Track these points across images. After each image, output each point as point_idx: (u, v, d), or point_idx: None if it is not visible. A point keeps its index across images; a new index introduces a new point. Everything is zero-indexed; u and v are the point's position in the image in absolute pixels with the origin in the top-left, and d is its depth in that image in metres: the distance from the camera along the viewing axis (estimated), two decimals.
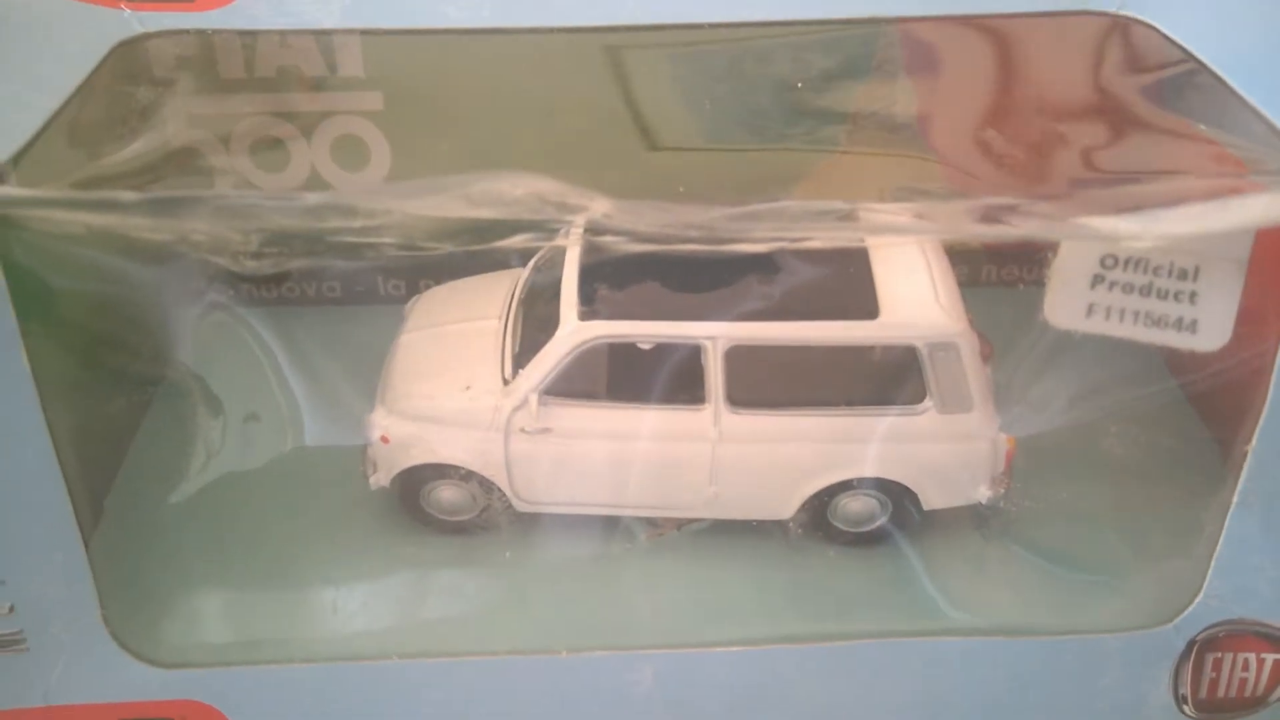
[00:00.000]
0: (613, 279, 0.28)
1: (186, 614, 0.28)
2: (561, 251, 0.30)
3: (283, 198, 0.22)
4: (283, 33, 0.31)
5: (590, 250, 0.29)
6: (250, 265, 0.24)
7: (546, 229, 0.25)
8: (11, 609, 0.26)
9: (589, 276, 0.28)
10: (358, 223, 0.23)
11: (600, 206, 0.24)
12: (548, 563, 0.30)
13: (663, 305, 0.27)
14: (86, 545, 0.25)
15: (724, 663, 0.28)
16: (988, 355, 0.30)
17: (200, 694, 0.27)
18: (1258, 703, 0.30)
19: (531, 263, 0.32)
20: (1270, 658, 0.29)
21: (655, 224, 0.24)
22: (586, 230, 0.24)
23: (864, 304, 0.27)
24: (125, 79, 0.28)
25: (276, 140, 0.34)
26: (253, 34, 0.29)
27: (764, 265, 0.28)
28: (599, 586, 0.29)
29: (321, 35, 0.33)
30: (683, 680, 0.28)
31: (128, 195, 0.21)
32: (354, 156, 0.35)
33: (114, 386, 0.29)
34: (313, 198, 0.22)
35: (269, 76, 0.33)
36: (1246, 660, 0.29)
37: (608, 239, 0.25)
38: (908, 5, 0.29)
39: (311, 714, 0.27)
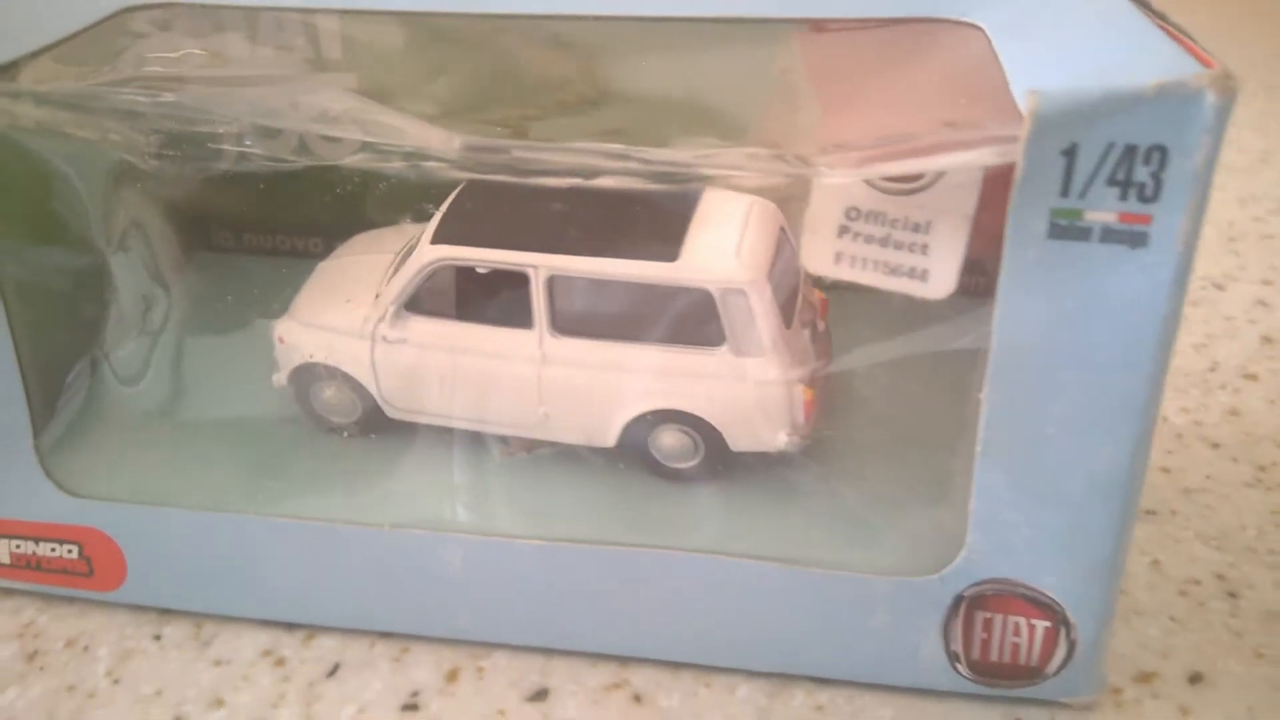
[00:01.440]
0: (475, 211, 0.33)
1: (103, 457, 0.34)
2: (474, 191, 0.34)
3: (147, 94, 0.28)
4: (269, 10, 0.37)
5: (469, 187, 0.33)
6: (153, 164, 0.31)
7: (377, 150, 0.30)
8: None
9: (457, 208, 0.33)
10: (220, 128, 0.29)
11: (413, 129, 0.29)
12: (401, 459, 0.34)
13: (505, 235, 0.32)
14: (28, 394, 0.32)
15: (522, 554, 0.31)
16: (822, 309, 0.33)
17: (99, 523, 0.33)
18: (1034, 674, 0.30)
19: None
20: (1041, 625, 0.30)
21: (449, 146, 0.29)
22: (410, 156, 0.30)
23: (669, 248, 0.31)
24: (119, 35, 0.35)
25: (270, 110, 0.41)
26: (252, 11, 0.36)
27: (601, 200, 0.32)
28: (440, 484, 0.33)
29: (308, 21, 0.39)
30: (486, 565, 0.31)
31: (42, 88, 0.28)
32: None
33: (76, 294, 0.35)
34: (168, 97, 0.28)
35: (264, 55, 0.40)
36: (1017, 624, 0.30)
37: (430, 164, 0.30)
38: (773, 6, 0.33)
39: (184, 551, 0.33)
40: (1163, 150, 0.23)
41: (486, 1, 0.33)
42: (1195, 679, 0.32)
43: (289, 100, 0.28)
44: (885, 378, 0.32)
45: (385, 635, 0.33)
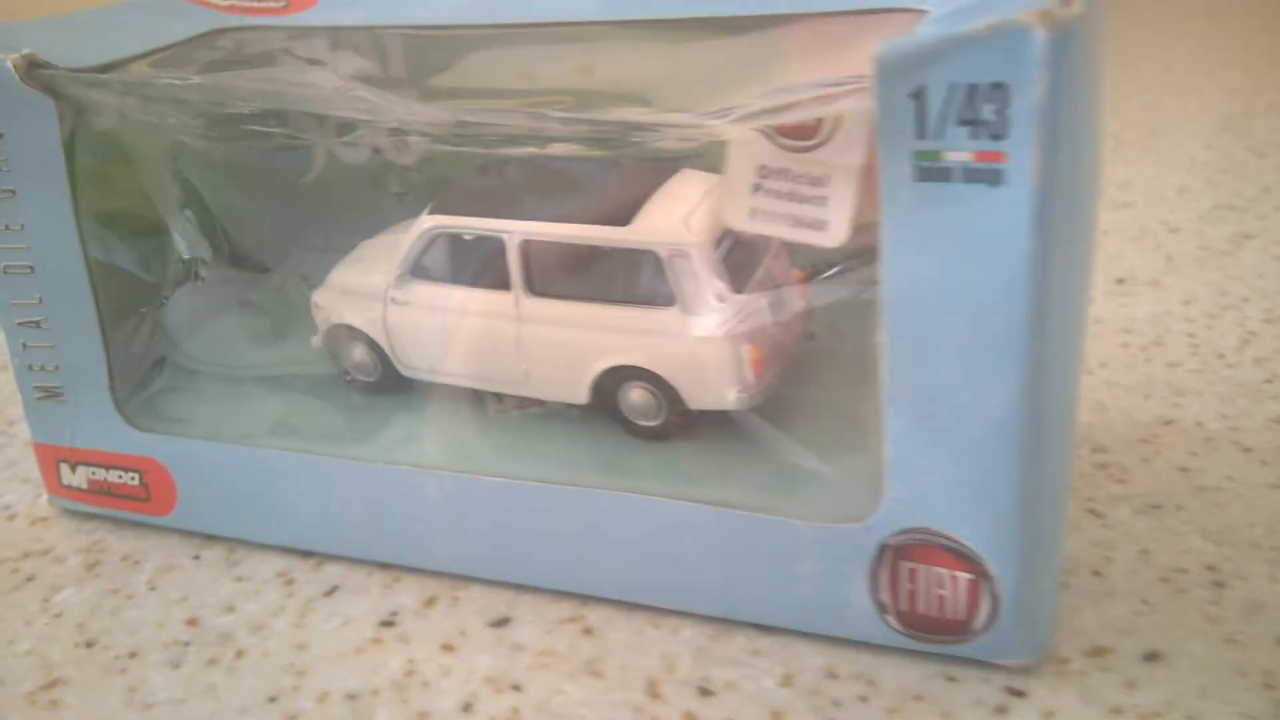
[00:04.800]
0: (469, 189, 0.37)
1: (162, 397, 0.40)
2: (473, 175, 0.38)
3: (180, 79, 0.33)
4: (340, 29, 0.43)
5: (473, 172, 0.38)
6: (202, 144, 0.37)
7: (373, 125, 0.35)
8: (58, 368, 0.39)
9: (456, 188, 0.37)
10: (246, 108, 0.34)
11: (393, 105, 0.33)
12: (407, 411, 0.38)
13: (487, 206, 0.36)
14: (106, 344, 0.38)
15: (491, 490, 0.34)
16: (793, 280, 0.35)
17: (156, 454, 0.39)
18: (962, 629, 0.31)
19: None
20: (963, 577, 0.30)
21: (424, 118, 0.33)
22: (394, 132, 0.34)
23: (625, 214, 0.34)
24: (204, 49, 0.41)
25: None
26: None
27: (572, 179, 0.35)
28: (434, 431, 0.37)
29: (377, 41, 0.45)
30: (461, 500, 0.35)
31: (103, 75, 0.34)
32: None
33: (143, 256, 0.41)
34: (196, 79, 0.33)
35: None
36: (941, 576, 0.30)
37: (412, 138, 0.34)
38: (754, 5, 0.36)
39: (223, 481, 0.38)
40: (1003, 88, 0.25)
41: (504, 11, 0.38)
42: (1152, 657, 0.31)
43: (286, 83, 0.32)
44: (835, 336, 0.34)
45: (384, 566, 0.37)
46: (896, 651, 0.32)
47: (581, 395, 0.36)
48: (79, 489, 0.40)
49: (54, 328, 0.38)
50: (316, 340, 0.40)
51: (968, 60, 0.25)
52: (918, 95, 0.25)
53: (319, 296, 0.40)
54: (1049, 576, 0.31)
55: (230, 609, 0.36)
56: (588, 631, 0.34)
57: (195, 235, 0.39)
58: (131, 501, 0.40)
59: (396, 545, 0.36)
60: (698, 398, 0.34)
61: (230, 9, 0.44)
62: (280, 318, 0.40)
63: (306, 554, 0.38)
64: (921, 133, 0.26)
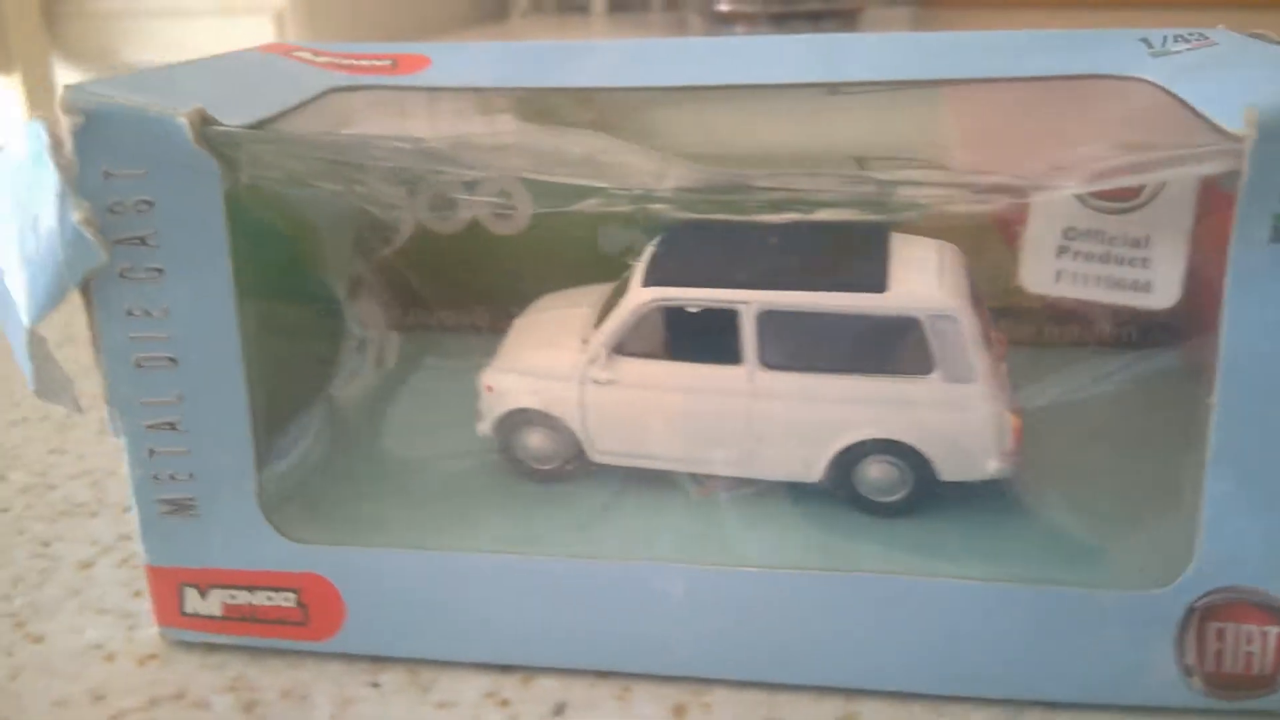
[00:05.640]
0: (677, 255, 0.34)
1: (325, 501, 0.35)
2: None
3: (396, 138, 0.30)
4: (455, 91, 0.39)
5: (669, 233, 0.35)
6: (393, 215, 0.33)
7: (607, 194, 0.32)
8: (193, 476, 0.33)
9: (660, 255, 0.35)
10: (468, 176, 0.31)
11: (649, 165, 0.30)
12: (611, 497, 0.35)
13: (713, 274, 0.33)
14: (256, 444, 0.33)
15: (747, 582, 0.32)
16: (1002, 349, 0.34)
17: (321, 568, 0.34)
18: (1267, 683, 0.30)
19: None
20: (1274, 631, 0.30)
21: (685, 180, 0.30)
22: (642, 199, 0.31)
23: (876, 280, 0.32)
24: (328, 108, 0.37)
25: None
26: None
27: (798, 241, 0.33)
28: (650, 518, 0.34)
29: (482, 101, 0.42)
30: (709, 596, 0.32)
31: (316, 136, 0.30)
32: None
33: (309, 339, 0.37)
34: (434, 145, 0.29)
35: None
36: (1250, 633, 0.30)
37: (659, 206, 0.32)
38: (969, 68, 0.35)
39: (403, 594, 0.33)
40: None
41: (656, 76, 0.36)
42: None
43: (544, 146, 0.29)
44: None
45: (602, 675, 0.33)
46: (1195, 712, 0.31)
47: (815, 473, 0.34)
48: (210, 617, 0.35)
49: (193, 429, 0.33)
50: (485, 427, 0.36)
51: None
52: None
53: (489, 379, 0.36)
54: None
55: None
56: None
57: (373, 315, 0.35)
58: (283, 626, 0.34)
59: (628, 650, 0.33)
60: (953, 469, 0.33)
61: (330, 66, 0.40)
62: (452, 404, 0.36)
63: (504, 668, 0.34)
64: None
